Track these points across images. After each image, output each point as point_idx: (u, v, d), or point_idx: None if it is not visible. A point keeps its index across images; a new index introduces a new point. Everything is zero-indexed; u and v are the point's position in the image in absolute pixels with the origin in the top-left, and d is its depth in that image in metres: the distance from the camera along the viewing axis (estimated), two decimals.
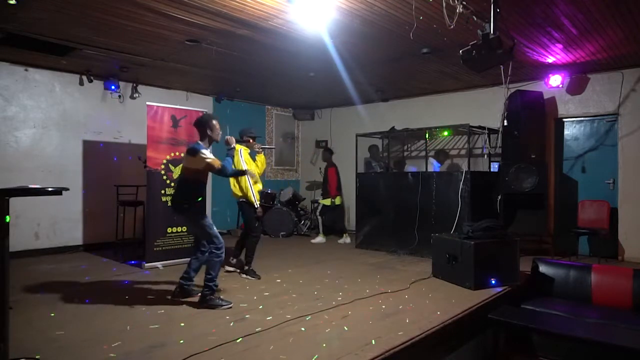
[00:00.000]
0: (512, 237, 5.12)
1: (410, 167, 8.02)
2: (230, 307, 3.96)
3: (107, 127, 7.33)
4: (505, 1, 4.04)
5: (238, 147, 5.06)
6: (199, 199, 4.13)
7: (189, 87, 8.22)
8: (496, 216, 6.30)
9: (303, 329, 3.42)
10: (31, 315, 3.76)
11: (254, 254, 5.29)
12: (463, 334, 3.89)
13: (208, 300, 3.98)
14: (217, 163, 4.07)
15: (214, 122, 4.21)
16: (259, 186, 5.34)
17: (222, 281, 5.02)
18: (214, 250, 4.05)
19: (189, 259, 5.83)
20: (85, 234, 7.08)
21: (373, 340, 3.14)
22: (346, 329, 3.43)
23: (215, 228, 4.16)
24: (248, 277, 5.17)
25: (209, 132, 4.17)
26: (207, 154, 4.08)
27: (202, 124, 4.20)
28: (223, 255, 4.10)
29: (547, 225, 6.64)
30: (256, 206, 5.14)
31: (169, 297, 4.25)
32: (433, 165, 7.48)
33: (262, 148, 5.42)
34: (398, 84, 7.83)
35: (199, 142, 4.18)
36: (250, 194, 5.11)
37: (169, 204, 5.84)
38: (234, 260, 5.52)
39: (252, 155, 5.35)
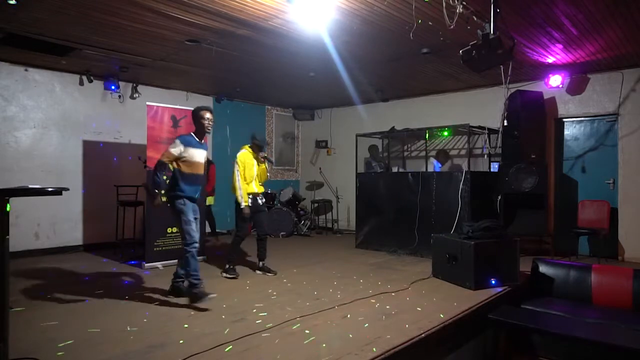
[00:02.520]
0: (512, 237, 5.13)
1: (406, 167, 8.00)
2: (215, 296, 4.03)
3: (107, 127, 7.34)
4: (505, 1, 4.04)
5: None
6: (177, 192, 4.15)
7: (189, 87, 8.22)
8: (496, 216, 6.30)
9: (303, 329, 3.42)
10: (31, 315, 3.75)
11: (236, 253, 5.39)
12: (463, 334, 3.89)
13: (193, 294, 4.02)
14: (161, 157, 4.14)
15: (200, 112, 4.29)
16: (254, 189, 5.34)
17: (222, 281, 5.03)
18: (184, 247, 4.08)
19: None
20: (85, 234, 7.08)
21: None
22: (346, 329, 3.43)
23: (193, 225, 4.14)
24: (227, 275, 5.22)
25: (195, 122, 4.31)
26: (173, 146, 4.14)
27: (192, 114, 4.36)
28: (194, 251, 4.08)
29: (547, 225, 6.64)
30: (242, 206, 5.17)
31: (169, 296, 4.29)
32: (434, 166, 7.48)
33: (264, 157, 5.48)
34: (398, 84, 7.83)
35: (191, 133, 4.32)
36: (237, 193, 5.20)
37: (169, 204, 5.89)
38: (261, 263, 5.53)
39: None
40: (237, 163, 5.24)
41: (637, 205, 6.34)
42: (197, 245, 4.13)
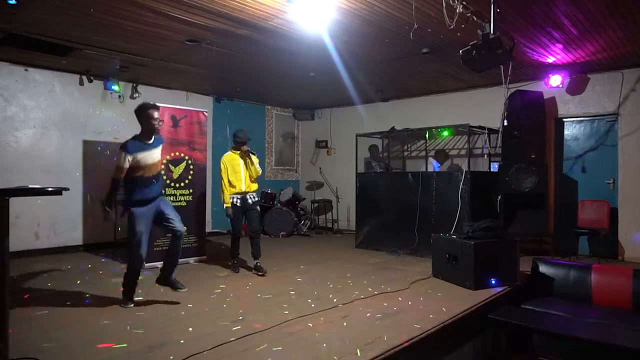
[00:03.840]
0: (512, 237, 5.12)
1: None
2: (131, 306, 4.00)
3: (107, 127, 7.33)
4: (505, 1, 4.04)
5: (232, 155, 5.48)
6: (133, 201, 3.95)
7: (189, 87, 8.22)
8: (496, 216, 6.30)
9: (303, 329, 3.42)
10: (31, 315, 3.75)
11: (233, 251, 5.60)
12: (463, 334, 3.89)
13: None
14: (114, 174, 3.89)
15: (148, 112, 3.93)
16: (242, 188, 5.42)
17: (222, 282, 5.03)
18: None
19: (187, 259, 5.89)
20: (85, 234, 7.08)
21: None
22: (346, 329, 3.43)
23: (137, 238, 3.93)
24: (230, 271, 5.53)
25: (141, 121, 3.99)
26: (120, 159, 3.86)
27: (136, 112, 4.01)
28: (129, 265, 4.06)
29: (547, 225, 6.64)
30: (224, 207, 5.42)
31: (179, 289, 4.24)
32: (433, 166, 7.49)
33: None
34: (398, 84, 7.83)
35: (135, 138, 3.98)
36: (222, 195, 5.44)
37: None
38: (255, 262, 5.51)
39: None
40: (221, 166, 5.45)
41: (637, 205, 6.34)
42: (137, 262, 4.01)
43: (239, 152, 5.45)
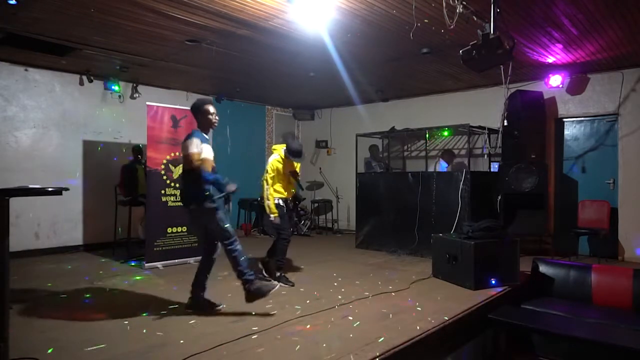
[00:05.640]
0: (512, 237, 5.12)
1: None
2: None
3: (107, 127, 7.33)
4: (505, 1, 4.04)
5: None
6: (206, 194, 3.68)
7: (189, 87, 8.22)
8: (496, 216, 6.30)
9: (303, 329, 3.42)
10: (31, 315, 3.75)
11: (282, 260, 5.00)
12: (463, 334, 3.89)
13: (255, 290, 3.75)
14: (197, 159, 3.65)
15: (205, 107, 3.88)
16: (284, 192, 5.03)
17: (222, 282, 5.02)
18: (228, 247, 3.73)
19: (187, 259, 5.88)
20: (85, 234, 7.08)
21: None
22: (346, 329, 3.43)
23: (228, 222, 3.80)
24: (282, 284, 4.76)
25: (200, 117, 3.89)
26: (195, 143, 3.69)
27: (193, 110, 3.93)
28: (235, 246, 3.75)
29: (547, 225, 6.64)
30: (270, 217, 4.85)
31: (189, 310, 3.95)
32: (440, 166, 7.46)
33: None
34: (398, 84, 7.83)
35: (197, 129, 3.88)
36: (265, 202, 4.83)
37: (169, 204, 5.88)
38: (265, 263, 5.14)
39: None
40: (266, 170, 4.89)
41: (637, 206, 6.34)
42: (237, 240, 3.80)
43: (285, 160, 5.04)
